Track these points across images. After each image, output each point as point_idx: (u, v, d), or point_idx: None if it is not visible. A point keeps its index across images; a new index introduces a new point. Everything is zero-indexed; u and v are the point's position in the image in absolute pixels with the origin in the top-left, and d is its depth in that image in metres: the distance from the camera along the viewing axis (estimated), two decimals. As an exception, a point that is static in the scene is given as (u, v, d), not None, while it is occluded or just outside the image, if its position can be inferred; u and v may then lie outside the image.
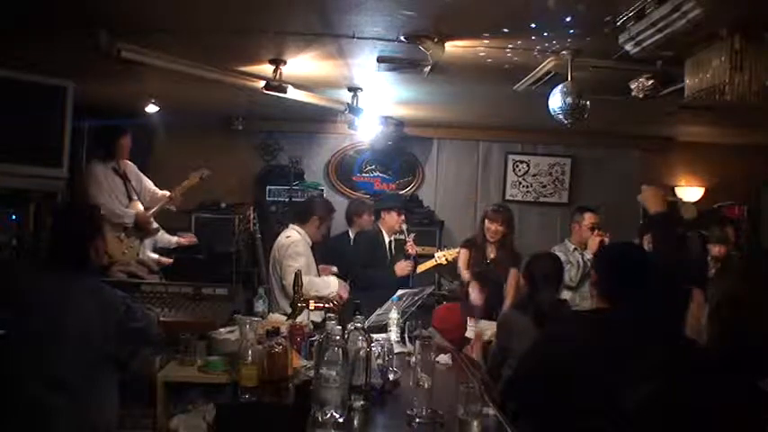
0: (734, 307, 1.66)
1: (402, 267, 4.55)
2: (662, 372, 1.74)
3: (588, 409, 1.85)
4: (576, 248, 4.58)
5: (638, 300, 2.07)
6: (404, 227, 4.81)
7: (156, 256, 4.62)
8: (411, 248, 4.69)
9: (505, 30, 3.28)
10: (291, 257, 4.02)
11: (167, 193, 4.72)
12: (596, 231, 4.55)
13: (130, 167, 4.61)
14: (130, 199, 4.49)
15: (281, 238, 4.24)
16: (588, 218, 4.63)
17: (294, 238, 4.17)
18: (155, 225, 4.60)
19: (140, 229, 4.42)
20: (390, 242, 4.80)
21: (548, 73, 3.88)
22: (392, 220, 4.75)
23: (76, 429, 2.24)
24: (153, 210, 4.58)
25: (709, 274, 4.91)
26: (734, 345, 1.63)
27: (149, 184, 4.72)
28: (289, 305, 3.94)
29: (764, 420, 1.59)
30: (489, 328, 4.30)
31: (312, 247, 4.28)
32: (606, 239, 4.54)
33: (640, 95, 3.77)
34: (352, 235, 5.18)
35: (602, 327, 2.06)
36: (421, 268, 4.92)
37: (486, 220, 4.58)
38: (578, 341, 2.05)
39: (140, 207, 4.57)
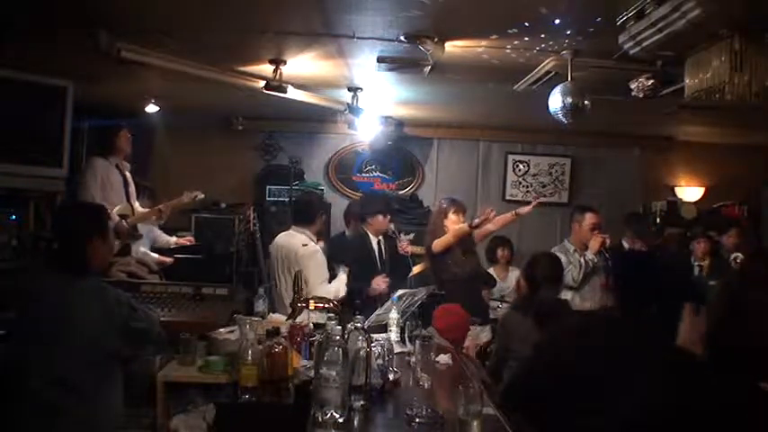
0: (733, 306, 1.66)
1: (377, 282, 4.34)
2: (668, 373, 1.73)
3: (594, 410, 1.85)
4: (576, 250, 4.56)
5: (649, 303, 2.08)
6: (391, 227, 4.71)
7: (156, 256, 4.60)
8: (403, 249, 4.63)
9: (505, 30, 3.28)
10: (320, 267, 3.95)
11: (145, 210, 4.58)
12: (596, 231, 4.53)
13: (129, 171, 4.54)
14: (128, 199, 4.46)
15: (296, 245, 4.02)
16: (589, 218, 4.60)
17: (312, 247, 4.01)
18: (137, 233, 4.48)
19: (116, 234, 4.18)
20: (379, 242, 4.72)
21: (548, 73, 3.88)
22: (378, 223, 4.65)
23: (81, 428, 2.25)
24: (135, 219, 4.41)
25: (696, 272, 4.96)
26: (734, 346, 1.63)
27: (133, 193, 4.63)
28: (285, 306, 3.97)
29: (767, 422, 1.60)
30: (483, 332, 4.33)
31: None
32: (607, 240, 4.53)
33: (640, 95, 3.77)
34: (348, 235, 5.18)
35: (611, 327, 2.07)
36: (416, 269, 4.91)
37: (461, 215, 4.51)
38: (586, 341, 2.05)
39: (139, 209, 4.55)
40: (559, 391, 1.94)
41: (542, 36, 3.33)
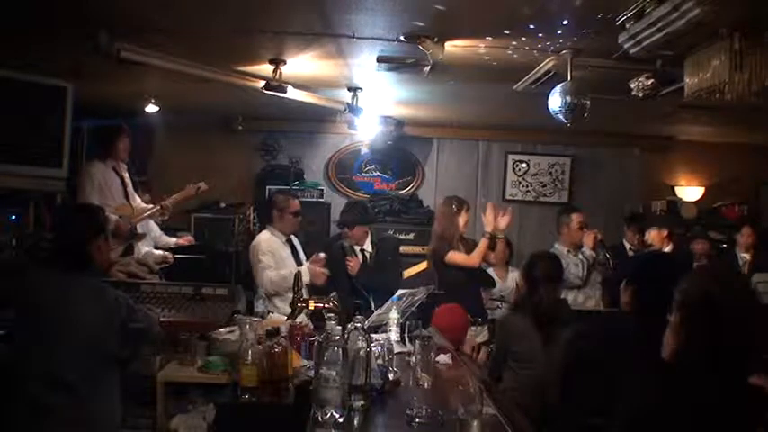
0: (714, 305, 1.66)
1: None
2: (672, 372, 1.74)
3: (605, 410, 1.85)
4: (569, 251, 4.57)
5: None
6: (345, 242, 4.45)
7: (159, 252, 4.59)
8: (351, 268, 4.36)
9: (505, 30, 3.28)
10: (256, 258, 4.14)
11: (148, 207, 4.56)
12: (585, 229, 4.57)
13: (126, 172, 4.52)
14: (127, 199, 4.45)
15: (253, 242, 4.29)
16: (575, 218, 4.67)
17: (261, 237, 4.24)
18: (139, 231, 4.47)
19: (116, 235, 4.11)
20: (362, 250, 4.48)
21: (548, 73, 3.88)
22: (359, 232, 4.44)
23: (79, 428, 2.25)
24: (137, 218, 4.40)
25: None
26: (717, 344, 1.64)
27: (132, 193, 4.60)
28: (274, 303, 4.01)
29: (761, 416, 1.60)
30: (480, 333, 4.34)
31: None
32: (599, 235, 4.57)
33: (640, 95, 3.77)
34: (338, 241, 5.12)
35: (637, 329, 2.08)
36: (409, 272, 4.87)
37: (468, 213, 4.47)
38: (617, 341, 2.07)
39: (141, 205, 4.55)
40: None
41: (542, 36, 3.33)
